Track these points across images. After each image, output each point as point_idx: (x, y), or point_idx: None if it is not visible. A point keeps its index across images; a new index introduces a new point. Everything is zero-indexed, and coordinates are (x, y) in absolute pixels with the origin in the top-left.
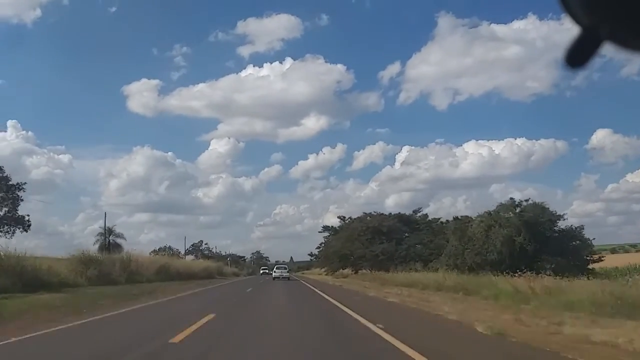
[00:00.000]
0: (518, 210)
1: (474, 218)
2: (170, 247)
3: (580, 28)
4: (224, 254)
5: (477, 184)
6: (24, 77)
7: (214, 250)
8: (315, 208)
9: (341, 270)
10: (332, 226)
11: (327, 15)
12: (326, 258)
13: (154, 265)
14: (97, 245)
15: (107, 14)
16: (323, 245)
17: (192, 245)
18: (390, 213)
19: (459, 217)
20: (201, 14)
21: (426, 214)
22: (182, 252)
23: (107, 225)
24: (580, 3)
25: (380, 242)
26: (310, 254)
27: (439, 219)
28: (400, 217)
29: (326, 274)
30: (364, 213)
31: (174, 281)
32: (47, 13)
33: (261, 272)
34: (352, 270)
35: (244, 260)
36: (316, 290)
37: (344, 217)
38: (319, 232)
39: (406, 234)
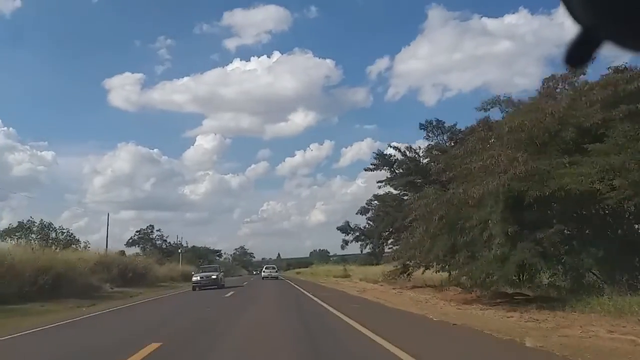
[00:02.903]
0: None
1: None
2: (48, 224)
3: (580, 27)
4: (184, 244)
5: None
6: (3, 71)
7: (170, 241)
8: (302, 205)
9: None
10: (395, 158)
11: (316, 7)
12: (435, 234)
13: None
14: None
15: (89, 5)
16: (375, 203)
17: (139, 232)
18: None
19: None
20: (186, 5)
21: None
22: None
23: None
24: (581, 2)
25: None
26: (345, 230)
27: None
28: None
29: (412, 285)
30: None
31: None
32: (28, 3)
33: (197, 276)
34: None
35: (220, 255)
36: None
37: (432, 122)
38: (366, 169)
39: None
